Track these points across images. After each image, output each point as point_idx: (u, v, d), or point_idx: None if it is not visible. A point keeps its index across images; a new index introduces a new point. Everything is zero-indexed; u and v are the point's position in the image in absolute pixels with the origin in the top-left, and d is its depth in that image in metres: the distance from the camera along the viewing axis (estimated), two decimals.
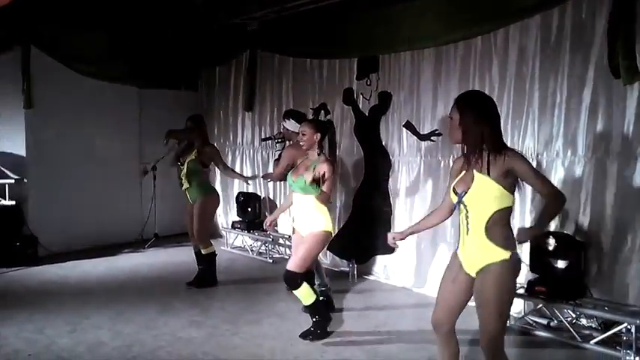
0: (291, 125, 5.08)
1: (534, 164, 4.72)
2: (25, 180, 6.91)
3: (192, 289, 5.62)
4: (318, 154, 4.23)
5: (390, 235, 3.22)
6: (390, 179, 5.95)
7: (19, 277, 6.13)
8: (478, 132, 2.67)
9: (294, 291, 4.23)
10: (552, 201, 2.67)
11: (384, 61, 5.98)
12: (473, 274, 2.77)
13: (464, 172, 2.79)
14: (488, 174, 2.65)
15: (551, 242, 4.27)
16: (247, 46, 7.56)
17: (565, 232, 4.48)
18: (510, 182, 2.67)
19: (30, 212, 6.90)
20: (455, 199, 2.80)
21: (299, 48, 6.86)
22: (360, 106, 6.25)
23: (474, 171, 2.70)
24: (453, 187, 2.83)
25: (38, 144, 6.95)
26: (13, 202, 6.65)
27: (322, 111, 6.69)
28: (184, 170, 5.64)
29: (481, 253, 2.71)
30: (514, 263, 2.70)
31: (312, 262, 4.33)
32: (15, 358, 3.95)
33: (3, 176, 6.80)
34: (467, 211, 2.76)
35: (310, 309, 4.30)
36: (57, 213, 7.03)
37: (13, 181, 6.73)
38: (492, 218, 2.67)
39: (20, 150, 6.94)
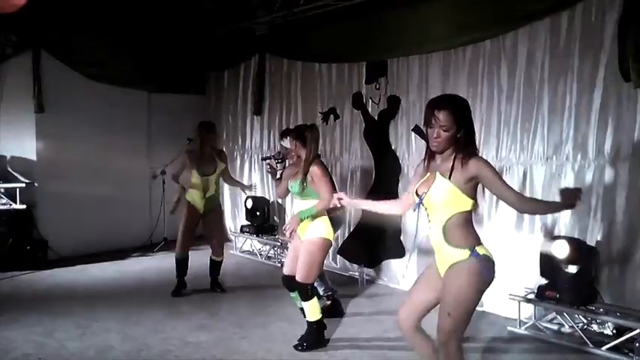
0: (289, 143, 5.04)
1: (544, 169, 4.72)
2: (36, 184, 6.95)
3: (201, 294, 5.61)
4: (308, 159, 4.16)
5: (336, 195, 3.27)
6: (399, 183, 5.93)
7: (28, 281, 6.16)
8: (453, 134, 2.67)
9: (303, 302, 4.17)
10: (525, 205, 2.75)
11: (393, 65, 5.97)
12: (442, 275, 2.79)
13: (428, 174, 2.81)
14: (450, 177, 2.66)
15: (562, 247, 4.23)
16: (256, 51, 7.59)
17: (576, 236, 4.44)
18: (471, 187, 2.68)
19: (40, 216, 6.94)
20: (416, 200, 2.83)
21: (308, 52, 6.87)
22: (370, 110, 6.24)
23: (437, 173, 2.73)
24: (416, 189, 2.85)
25: (48, 148, 7.00)
26: (24, 206, 6.69)
27: (331, 115, 6.69)
28: (214, 179, 5.62)
29: (444, 255, 2.75)
30: (473, 263, 2.67)
31: (318, 270, 4.29)
32: None
33: (14, 180, 6.85)
34: (427, 214, 2.81)
35: (311, 325, 4.22)
36: (67, 217, 7.07)
37: (23, 185, 6.77)
38: (450, 221, 2.70)
39: (31, 154, 6.99)
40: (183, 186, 5.73)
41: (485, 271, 2.67)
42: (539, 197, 4.73)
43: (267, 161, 5.47)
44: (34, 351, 4.13)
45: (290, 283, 4.24)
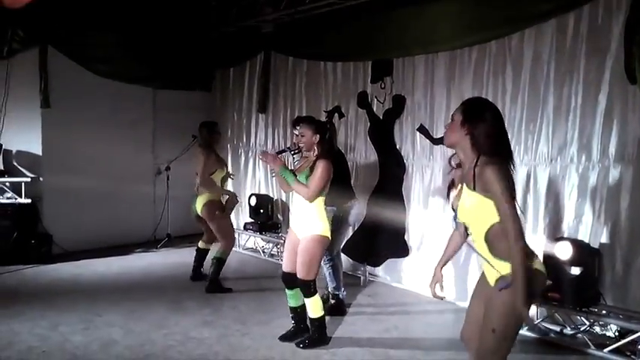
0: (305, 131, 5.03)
1: (547, 170, 4.71)
2: (41, 179, 6.99)
3: (204, 290, 5.63)
4: (318, 156, 4.13)
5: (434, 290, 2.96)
6: (403, 183, 5.94)
7: (33, 275, 6.20)
8: (463, 134, 2.50)
9: (306, 299, 4.16)
10: (514, 251, 2.35)
11: (398, 64, 5.97)
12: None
13: (460, 185, 2.61)
14: (474, 188, 2.44)
15: (565, 248, 4.23)
16: (261, 48, 7.60)
17: (579, 238, 4.44)
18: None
19: (45, 210, 6.98)
20: (452, 215, 2.63)
21: (313, 50, 6.88)
22: (375, 110, 6.25)
23: (464, 184, 2.53)
24: (452, 204, 2.65)
25: (54, 143, 7.03)
26: (29, 201, 6.73)
27: (336, 113, 6.69)
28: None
29: (490, 268, 2.51)
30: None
31: (318, 267, 4.30)
32: (29, 354, 4.00)
33: (19, 174, 6.90)
34: (466, 228, 2.64)
35: (314, 322, 4.22)
36: (71, 212, 7.11)
37: (29, 179, 6.82)
38: (490, 232, 2.45)
39: (36, 149, 7.03)
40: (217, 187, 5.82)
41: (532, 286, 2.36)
42: (543, 199, 4.74)
43: (283, 154, 5.54)
44: (38, 344, 4.17)
45: (290, 279, 4.21)
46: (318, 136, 4.14)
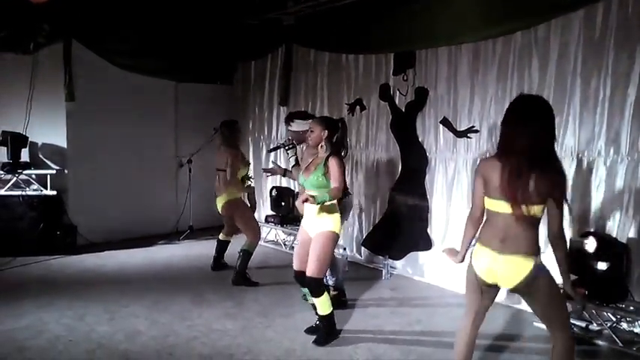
0: (298, 126, 4.96)
1: (574, 163, 4.64)
2: (66, 171, 7.09)
3: (226, 282, 5.67)
4: (329, 152, 4.09)
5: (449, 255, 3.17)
6: (426, 175, 5.90)
7: (58, 265, 6.30)
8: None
9: (315, 298, 4.15)
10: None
11: (421, 56, 5.91)
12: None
13: None
14: None
15: (592, 243, 4.17)
16: (283, 41, 7.59)
17: (607, 232, 4.37)
18: None
19: (70, 202, 7.08)
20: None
21: (335, 43, 6.84)
22: (397, 102, 6.20)
23: None
24: None
25: (78, 136, 7.11)
26: (54, 192, 6.82)
27: (358, 106, 6.67)
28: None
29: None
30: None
31: (329, 264, 4.28)
32: (56, 342, 4.07)
33: (45, 167, 7.00)
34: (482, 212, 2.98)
35: (324, 319, 4.21)
36: (96, 204, 7.20)
37: (54, 171, 6.92)
38: None
39: (61, 141, 7.12)
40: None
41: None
42: (569, 193, 4.66)
43: (276, 151, 5.67)
44: (65, 333, 4.25)
45: (303, 278, 4.19)
46: (327, 132, 4.09)
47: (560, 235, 2.75)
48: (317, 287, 4.11)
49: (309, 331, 4.32)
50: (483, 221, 2.91)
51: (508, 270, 2.77)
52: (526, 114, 2.73)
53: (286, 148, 5.05)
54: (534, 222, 2.74)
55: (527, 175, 2.66)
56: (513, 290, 2.89)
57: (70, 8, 6.55)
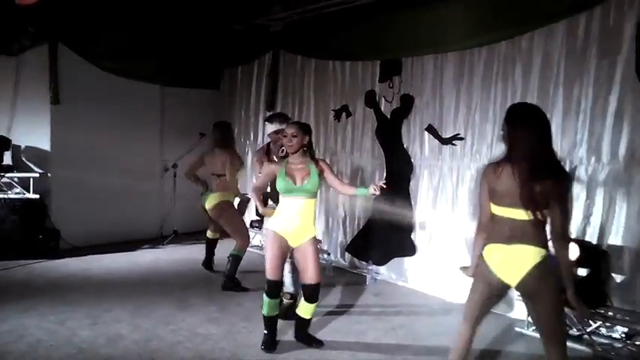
0: (276, 126, 4.92)
1: None
2: (49, 174, 7.03)
3: (211, 287, 5.66)
4: (311, 157, 4.10)
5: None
6: (411, 182, 5.94)
7: (40, 270, 6.23)
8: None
9: (312, 304, 4.11)
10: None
11: (407, 63, 5.98)
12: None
13: None
14: None
15: (572, 250, 4.22)
16: (270, 47, 7.61)
17: (587, 239, 4.43)
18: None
19: (53, 206, 7.02)
20: None
21: (322, 49, 6.89)
22: (382, 109, 6.25)
23: None
24: None
25: (62, 139, 7.07)
26: (37, 196, 6.77)
27: (344, 112, 6.70)
28: None
29: None
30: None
31: None
32: (37, 347, 4.02)
33: (27, 170, 6.95)
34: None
35: (308, 323, 4.24)
36: (79, 207, 7.14)
37: (37, 175, 6.86)
38: None
39: (45, 145, 7.07)
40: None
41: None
42: None
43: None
44: (46, 337, 4.20)
45: (279, 288, 4.16)
46: (308, 137, 4.09)
47: (565, 236, 2.79)
48: (318, 293, 4.12)
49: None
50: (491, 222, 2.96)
51: (517, 257, 2.80)
52: (530, 120, 2.83)
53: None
54: (541, 223, 2.80)
55: (536, 179, 2.72)
56: (520, 288, 2.87)
57: (56, 10, 6.52)
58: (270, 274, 4.01)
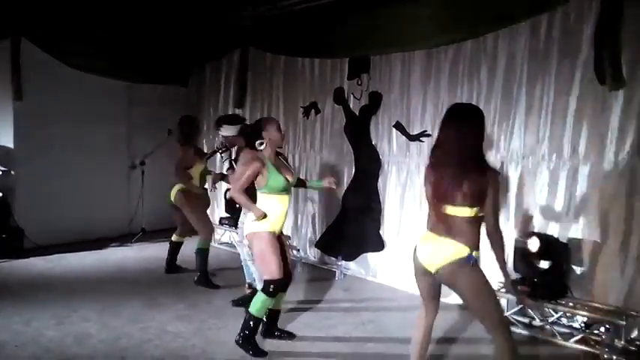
0: (227, 131, 4.94)
1: (519, 167, 4.85)
2: (12, 172, 6.87)
3: (180, 285, 5.64)
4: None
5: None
6: (379, 178, 6.02)
7: (4, 270, 6.10)
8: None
9: (283, 293, 4.20)
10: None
11: (375, 61, 6.05)
12: None
13: None
14: None
15: (534, 243, 4.38)
16: (239, 43, 7.56)
17: (549, 233, 4.59)
18: None
19: (17, 204, 6.86)
20: None
21: (291, 46, 6.88)
22: (351, 106, 6.31)
23: None
24: None
25: (26, 136, 6.91)
26: (0, 194, 6.61)
27: (313, 109, 6.74)
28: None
29: None
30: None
31: None
32: (1, 349, 3.95)
33: None
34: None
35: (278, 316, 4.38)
36: (44, 206, 7.00)
37: (0, 172, 6.69)
38: None
39: (8, 142, 6.90)
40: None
41: None
42: (514, 195, 4.88)
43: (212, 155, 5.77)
44: (11, 339, 4.12)
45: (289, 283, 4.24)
46: (279, 133, 4.12)
47: (496, 230, 2.92)
48: None
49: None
50: (430, 215, 3.06)
51: (437, 248, 2.94)
52: (454, 119, 2.95)
53: (221, 152, 5.11)
54: (475, 221, 2.90)
55: (461, 177, 2.84)
56: (439, 275, 2.97)
57: (19, 5, 6.35)
58: (277, 273, 3.91)
